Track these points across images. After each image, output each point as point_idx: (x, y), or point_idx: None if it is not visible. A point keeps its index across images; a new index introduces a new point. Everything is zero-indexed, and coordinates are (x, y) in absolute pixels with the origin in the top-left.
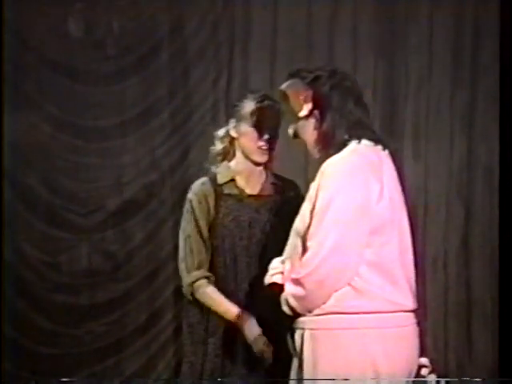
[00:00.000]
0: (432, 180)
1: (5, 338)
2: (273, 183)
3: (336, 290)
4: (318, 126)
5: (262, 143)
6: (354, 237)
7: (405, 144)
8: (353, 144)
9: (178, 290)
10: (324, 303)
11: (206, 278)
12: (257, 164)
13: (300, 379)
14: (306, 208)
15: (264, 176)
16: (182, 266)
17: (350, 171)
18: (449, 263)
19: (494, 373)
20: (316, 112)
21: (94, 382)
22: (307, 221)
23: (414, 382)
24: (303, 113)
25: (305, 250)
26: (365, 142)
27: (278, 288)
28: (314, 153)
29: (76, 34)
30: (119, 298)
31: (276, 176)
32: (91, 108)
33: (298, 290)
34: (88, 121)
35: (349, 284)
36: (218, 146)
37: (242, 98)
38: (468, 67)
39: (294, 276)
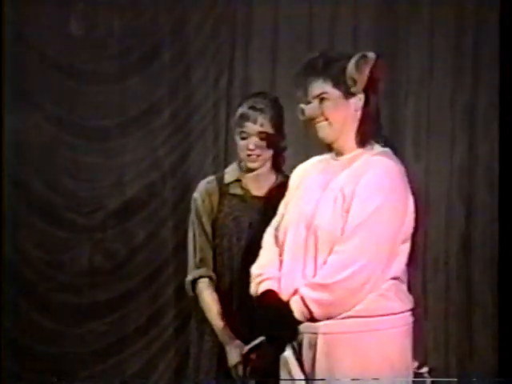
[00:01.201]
0: (432, 179)
1: (6, 337)
2: (281, 184)
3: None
4: (360, 108)
5: (248, 152)
6: (390, 250)
7: (405, 143)
8: (384, 154)
9: (180, 290)
10: (350, 310)
11: (208, 277)
12: (248, 170)
13: (306, 379)
14: (337, 205)
15: (273, 178)
16: (188, 263)
17: (392, 187)
18: (449, 263)
19: (495, 372)
20: (361, 94)
21: (95, 382)
22: (339, 223)
23: (414, 381)
24: (358, 89)
25: (329, 252)
26: (387, 149)
27: (273, 295)
28: (334, 136)
29: (77, 33)
30: (120, 298)
31: (286, 177)
32: (92, 107)
33: (324, 296)
34: (89, 120)
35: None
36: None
37: (241, 101)
38: (469, 67)
39: (318, 281)
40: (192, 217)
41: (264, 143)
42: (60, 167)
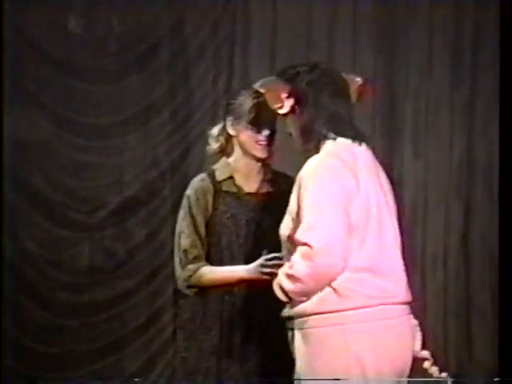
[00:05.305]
0: (431, 178)
1: (6, 335)
2: (271, 180)
3: (330, 284)
4: (298, 120)
5: (261, 138)
6: (339, 237)
7: (404, 142)
8: (329, 144)
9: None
10: (321, 290)
11: (204, 266)
12: (258, 160)
13: (297, 379)
14: (292, 207)
15: (262, 173)
16: (176, 260)
17: (327, 173)
18: (448, 261)
19: (494, 372)
20: (296, 107)
21: (95, 381)
22: (291, 223)
23: (418, 381)
24: (284, 110)
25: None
26: (340, 139)
27: None
28: (298, 147)
29: (76, 31)
30: (120, 296)
31: (274, 172)
32: (92, 106)
33: (292, 271)
34: (89, 118)
35: (329, 285)
36: (214, 145)
37: (236, 95)
38: (468, 65)
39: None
40: (183, 214)
41: (274, 131)
42: (60, 165)
